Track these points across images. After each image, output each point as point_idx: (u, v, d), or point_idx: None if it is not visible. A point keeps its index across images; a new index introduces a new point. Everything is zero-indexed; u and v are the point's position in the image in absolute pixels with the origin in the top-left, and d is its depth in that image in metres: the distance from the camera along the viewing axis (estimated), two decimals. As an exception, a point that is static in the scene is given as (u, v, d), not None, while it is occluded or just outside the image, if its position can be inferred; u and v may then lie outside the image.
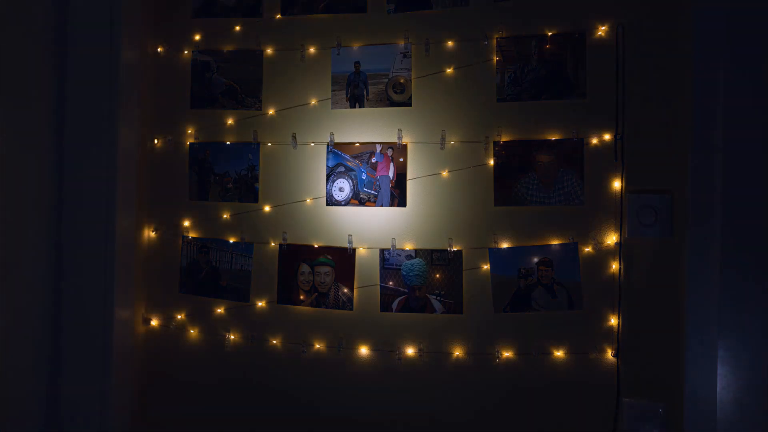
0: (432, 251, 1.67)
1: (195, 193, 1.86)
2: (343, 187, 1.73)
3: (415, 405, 1.68)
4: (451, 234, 1.66)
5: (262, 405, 1.79)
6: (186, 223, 1.87)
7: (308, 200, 1.77)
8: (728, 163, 1.38)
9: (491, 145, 1.64)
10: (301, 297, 1.76)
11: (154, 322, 1.89)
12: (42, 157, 1.65)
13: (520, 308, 1.61)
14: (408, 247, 1.69)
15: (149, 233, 1.90)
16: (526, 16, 1.62)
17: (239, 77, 1.82)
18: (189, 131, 1.86)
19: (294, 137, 1.77)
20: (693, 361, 1.42)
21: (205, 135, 1.85)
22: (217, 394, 1.83)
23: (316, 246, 1.75)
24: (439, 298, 1.66)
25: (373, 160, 1.71)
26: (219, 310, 1.83)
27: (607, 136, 1.56)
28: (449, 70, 1.67)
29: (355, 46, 1.74)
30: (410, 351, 1.68)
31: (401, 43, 1.70)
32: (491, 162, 1.63)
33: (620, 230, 1.55)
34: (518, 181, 1.61)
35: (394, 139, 1.70)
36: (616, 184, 1.56)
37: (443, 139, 1.66)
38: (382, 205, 1.70)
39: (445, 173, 1.67)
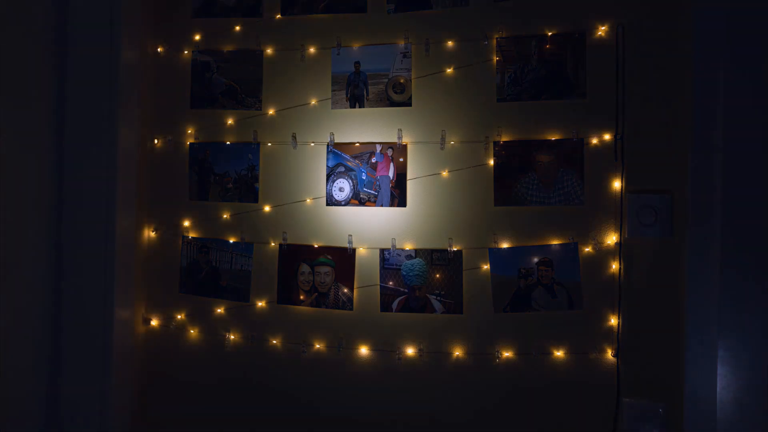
0: (432, 251, 1.67)
1: (195, 193, 1.86)
2: (343, 187, 1.73)
3: (415, 405, 1.68)
4: (451, 234, 1.66)
5: (262, 405, 1.79)
6: (186, 223, 1.87)
7: (308, 200, 1.77)
8: (728, 163, 1.38)
9: (491, 145, 1.64)
10: (301, 297, 1.76)
11: (154, 322, 1.89)
12: (42, 157, 1.65)
13: (520, 308, 1.61)
14: (408, 247, 1.69)
15: (149, 233, 1.90)
16: (526, 16, 1.62)
17: (239, 77, 1.82)
18: (189, 131, 1.86)
19: (294, 137, 1.77)
20: (693, 361, 1.42)
21: (205, 135, 1.85)
22: (217, 394, 1.83)
23: (316, 246, 1.75)
24: (439, 298, 1.66)
25: (373, 160, 1.72)
26: (219, 310, 1.83)
27: (607, 136, 1.56)
28: (449, 70, 1.67)
29: (355, 46, 1.74)
30: (410, 351, 1.69)
31: (401, 43, 1.70)
32: (491, 162, 1.63)
33: (620, 230, 1.55)
34: (518, 181, 1.61)
35: (394, 139, 1.70)
36: (616, 184, 1.56)
37: (443, 139, 1.66)
38: (382, 205, 1.70)
39: (445, 173, 1.67)
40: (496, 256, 1.62)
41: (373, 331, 1.72)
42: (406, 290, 1.69)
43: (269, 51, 1.80)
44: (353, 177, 1.73)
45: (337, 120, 1.75)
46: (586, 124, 1.58)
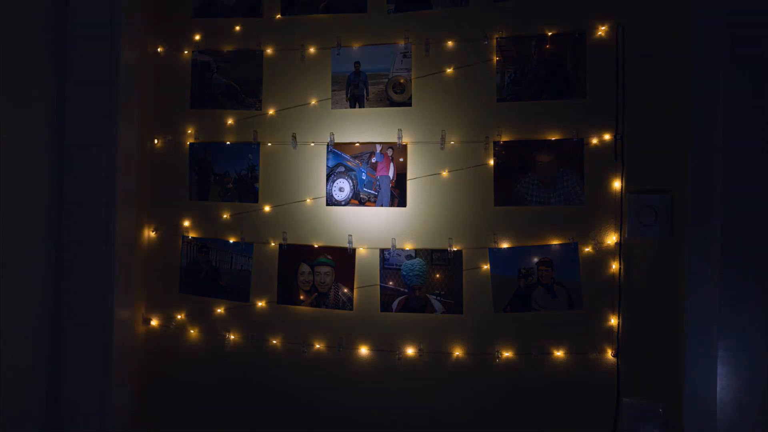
0: (432, 251, 1.67)
1: (195, 193, 1.86)
2: (343, 187, 1.73)
3: (415, 405, 1.68)
4: (451, 234, 1.66)
5: (262, 405, 1.79)
6: (186, 223, 1.87)
7: (308, 200, 1.77)
8: (728, 163, 1.38)
9: (491, 145, 1.64)
10: (301, 297, 1.76)
11: (154, 322, 1.89)
12: (42, 157, 1.65)
13: (520, 308, 1.61)
14: (408, 247, 1.69)
15: (149, 233, 1.90)
16: (526, 16, 1.62)
17: (239, 77, 1.82)
18: (189, 131, 1.86)
19: (294, 137, 1.77)
20: (693, 361, 1.42)
21: (205, 135, 1.85)
22: (217, 394, 1.83)
23: (316, 246, 1.75)
24: (439, 298, 1.66)
25: (373, 160, 1.72)
26: (219, 310, 1.83)
27: (607, 136, 1.56)
28: (449, 70, 1.67)
29: (355, 46, 1.74)
30: (410, 351, 1.69)
31: (401, 43, 1.70)
32: (491, 162, 1.63)
33: (620, 230, 1.55)
34: (518, 181, 1.61)
35: (394, 139, 1.70)
36: (616, 184, 1.56)
37: (443, 139, 1.66)
38: (382, 205, 1.70)
39: (445, 173, 1.67)
40: (496, 256, 1.62)
41: (373, 331, 1.72)
42: (406, 290, 1.69)
43: (269, 51, 1.80)
44: (353, 177, 1.73)
45: (337, 120, 1.75)
46: (586, 124, 1.58)
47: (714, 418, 1.38)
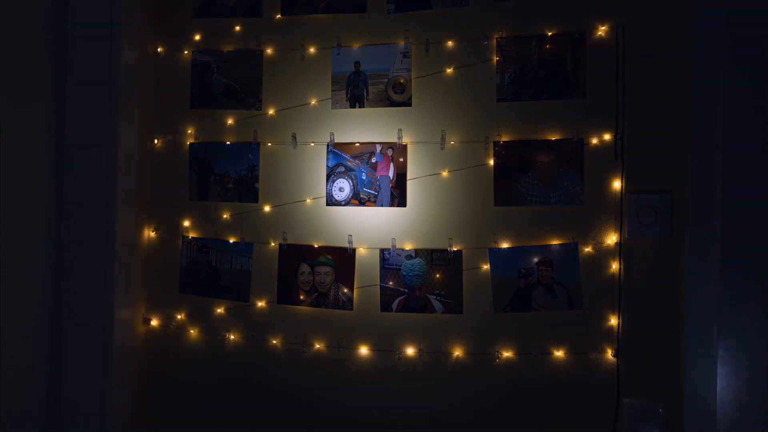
0: (432, 251, 1.67)
1: (195, 193, 1.86)
2: (343, 187, 1.73)
3: (415, 405, 1.68)
4: (451, 234, 1.66)
5: (262, 405, 1.79)
6: (186, 223, 1.87)
7: (308, 200, 1.77)
8: (728, 163, 1.38)
9: (491, 145, 1.64)
10: (301, 297, 1.76)
11: (154, 322, 1.89)
12: (42, 157, 1.65)
13: (520, 308, 1.61)
14: (408, 247, 1.69)
15: (149, 233, 1.90)
16: (526, 16, 1.62)
17: (239, 77, 1.82)
18: (189, 131, 1.86)
19: (294, 137, 1.77)
20: (693, 361, 1.42)
21: (205, 135, 1.85)
22: (217, 394, 1.83)
23: (316, 246, 1.75)
24: (439, 298, 1.66)
25: (373, 160, 1.72)
26: (219, 310, 1.83)
27: (607, 136, 1.56)
28: (449, 70, 1.67)
29: (355, 46, 1.74)
30: (410, 351, 1.69)
31: (401, 43, 1.70)
32: (491, 162, 1.63)
33: (620, 230, 1.55)
34: (518, 181, 1.61)
35: (394, 139, 1.70)
36: (616, 184, 1.56)
37: (443, 139, 1.66)
38: (382, 205, 1.70)
39: (445, 173, 1.67)
40: (496, 256, 1.62)
41: (373, 331, 1.72)
42: (406, 290, 1.69)
43: (269, 51, 1.80)
44: (353, 177, 1.73)
45: (337, 120, 1.75)
46: (586, 124, 1.58)
47: (714, 418, 1.38)
